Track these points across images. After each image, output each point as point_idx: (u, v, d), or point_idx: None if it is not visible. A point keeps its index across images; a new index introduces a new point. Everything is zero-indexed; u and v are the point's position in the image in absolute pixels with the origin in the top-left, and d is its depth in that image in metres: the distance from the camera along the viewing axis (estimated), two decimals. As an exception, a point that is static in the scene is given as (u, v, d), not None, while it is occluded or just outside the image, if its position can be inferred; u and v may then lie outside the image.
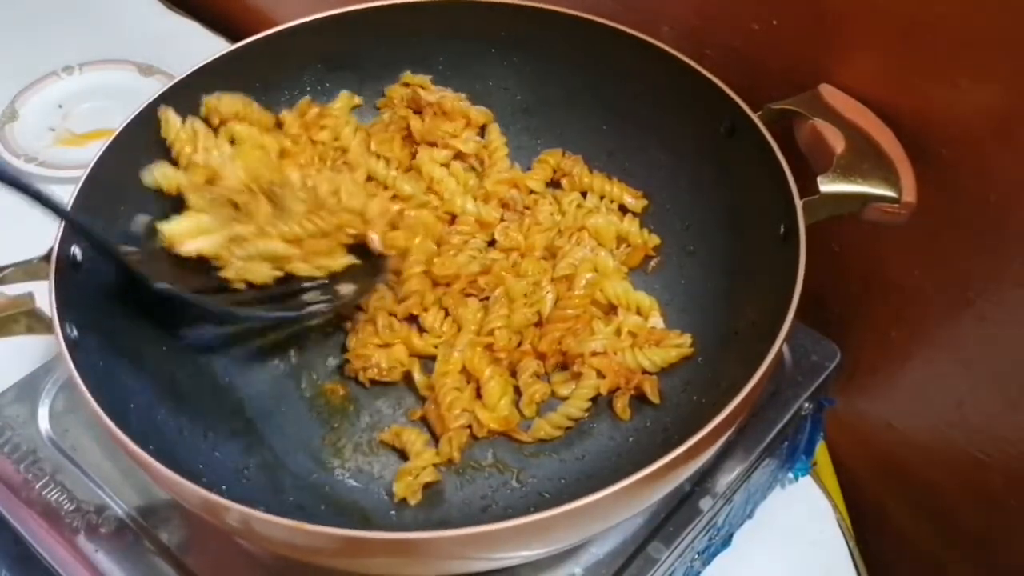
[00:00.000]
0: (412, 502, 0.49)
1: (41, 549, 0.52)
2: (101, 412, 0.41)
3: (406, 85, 0.62)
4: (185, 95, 0.55)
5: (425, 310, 0.55)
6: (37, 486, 0.53)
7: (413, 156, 0.62)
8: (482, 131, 0.63)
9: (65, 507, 0.52)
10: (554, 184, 0.62)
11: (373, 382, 0.54)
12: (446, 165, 0.61)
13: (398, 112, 0.62)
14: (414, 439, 0.51)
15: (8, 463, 0.54)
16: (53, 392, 0.56)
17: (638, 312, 0.55)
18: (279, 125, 0.59)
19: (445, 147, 0.61)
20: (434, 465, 0.50)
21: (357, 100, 0.63)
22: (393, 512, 0.49)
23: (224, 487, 0.47)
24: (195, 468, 0.47)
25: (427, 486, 0.50)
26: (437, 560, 0.41)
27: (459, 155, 0.62)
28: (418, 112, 0.62)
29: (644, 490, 0.41)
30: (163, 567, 0.50)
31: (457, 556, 0.41)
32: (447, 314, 0.55)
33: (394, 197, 0.60)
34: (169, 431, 0.49)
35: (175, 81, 0.55)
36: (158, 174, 0.52)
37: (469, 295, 0.56)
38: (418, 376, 0.53)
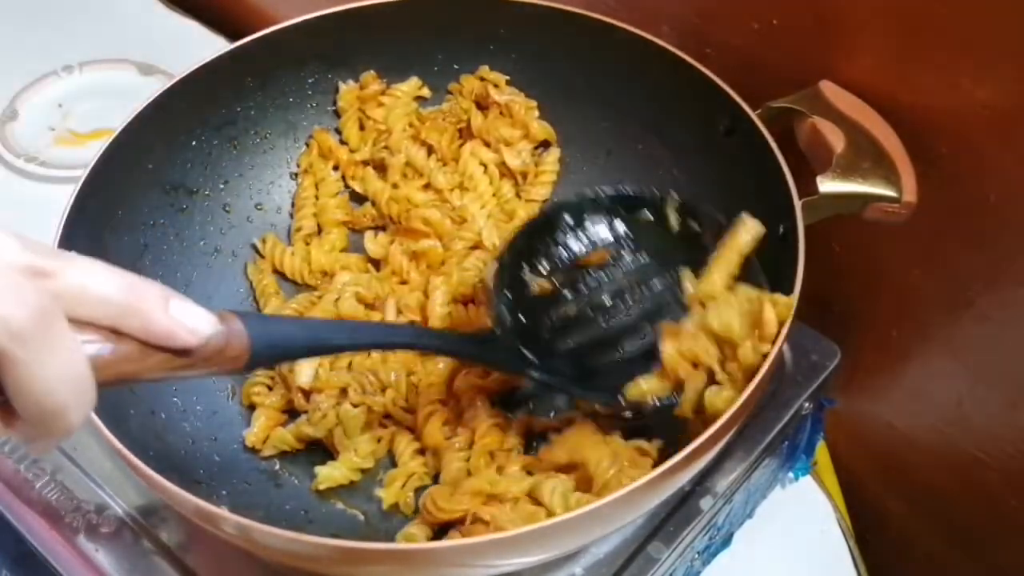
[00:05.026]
0: (406, 512, 0.49)
1: (41, 548, 0.52)
2: (96, 419, 0.41)
3: (481, 79, 0.62)
4: (185, 95, 0.55)
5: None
6: (37, 486, 0.53)
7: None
8: (542, 146, 0.62)
9: (65, 507, 0.52)
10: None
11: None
12: (485, 165, 0.61)
13: (461, 104, 0.62)
14: (404, 446, 0.50)
15: (8, 463, 0.54)
16: (53, 392, 0.56)
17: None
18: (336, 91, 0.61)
19: (495, 151, 0.61)
20: (425, 472, 0.50)
21: (425, 91, 0.63)
22: (393, 519, 0.49)
23: (224, 492, 0.47)
24: (195, 474, 0.47)
25: (420, 490, 0.49)
26: (436, 569, 0.41)
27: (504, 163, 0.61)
28: (483, 108, 0.62)
29: (642, 497, 0.41)
30: (163, 566, 0.50)
31: (456, 565, 0.41)
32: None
33: (426, 187, 0.60)
34: (170, 437, 0.49)
35: (175, 81, 0.55)
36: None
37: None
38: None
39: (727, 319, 0.44)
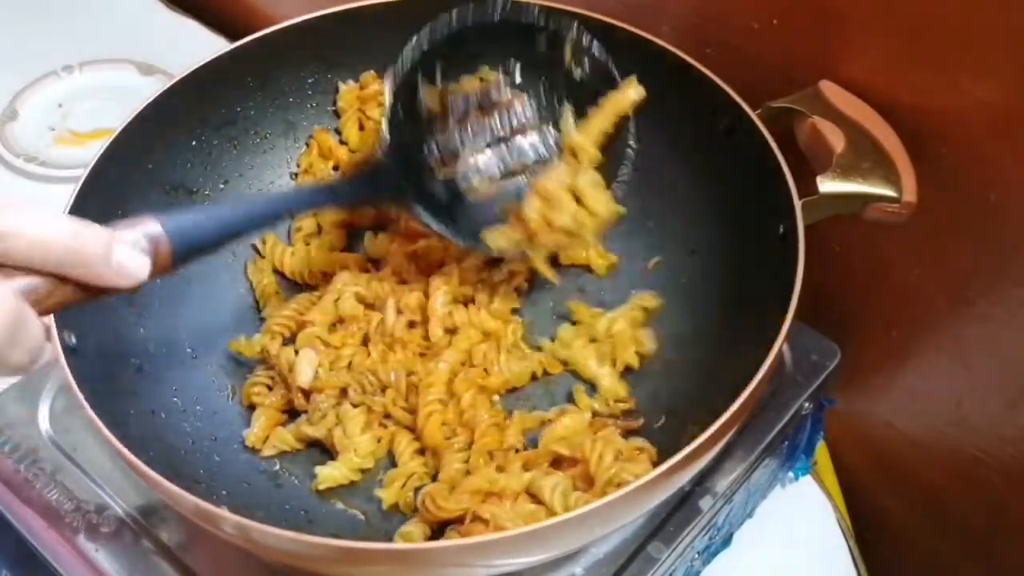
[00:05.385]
0: (406, 511, 0.49)
1: (42, 548, 0.52)
2: (96, 418, 0.41)
3: (481, 79, 0.62)
4: (185, 95, 0.55)
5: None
6: (37, 486, 0.53)
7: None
8: None
9: (65, 507, 0.52)
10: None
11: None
12: None
13: None
14: (404, 446, 0.50)
15: (8, 463, 0.54)
16: (54, 392, 0.57)
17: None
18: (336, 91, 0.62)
19: None
20: (425, 471, 0.50)
21: None
22: (393, 519, 0.49)
23: (224, 492, 0.47)
24: (196, 474, 0.47)
25: (419, 489, 0.49)
26: (436, 569, 0.41)
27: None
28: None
29: (642, 497, 0.41)
30: (163, 566, 0.50)
31: (456, 564, 0.41)
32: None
33: None
34: (170, 437, 0.49)
35: (175, 80, 0.55)
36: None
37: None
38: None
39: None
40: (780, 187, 0.48)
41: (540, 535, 0.38)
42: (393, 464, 0.51)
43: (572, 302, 0.56)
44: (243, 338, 0.55)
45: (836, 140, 0.49)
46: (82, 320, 0.45)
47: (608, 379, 0.53)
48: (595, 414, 0.51)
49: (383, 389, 0.52)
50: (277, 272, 0.59)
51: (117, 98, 0.81)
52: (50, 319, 0.44)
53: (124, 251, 0.35)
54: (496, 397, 0.53)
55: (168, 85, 0.55)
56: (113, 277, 0.35)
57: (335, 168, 0.62)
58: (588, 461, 0.46)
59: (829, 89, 0.52)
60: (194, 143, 0.58)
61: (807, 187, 0.48)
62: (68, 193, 0.49)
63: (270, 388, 0.53)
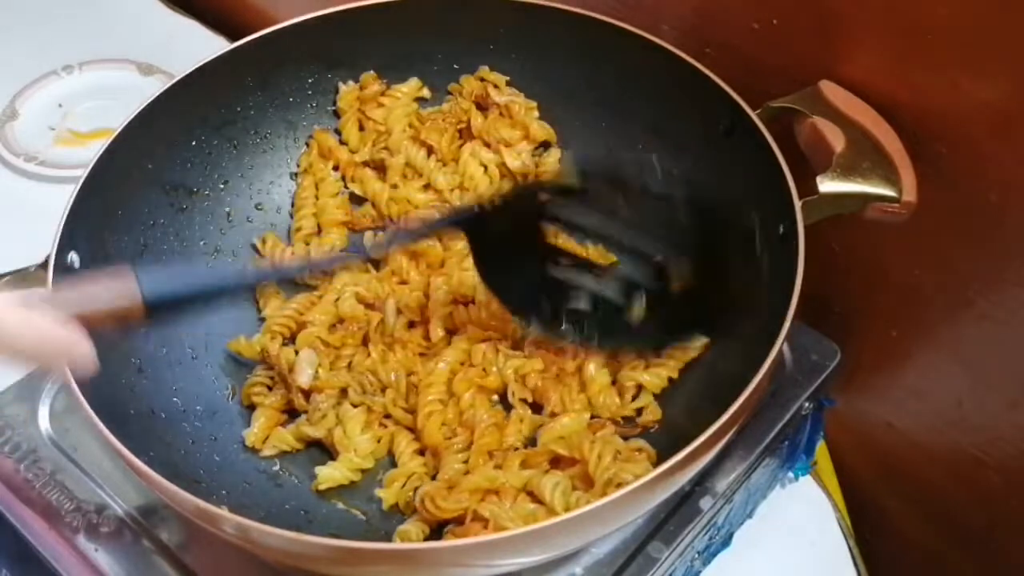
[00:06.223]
0: (407, 512, 0.49)
1: (41, 548, 0.52)
2: (96, 419, 0.41)
3: (481, 79, 0.62)
4: (185, 95, 0.56)
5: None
6: (37, 486, 0.53)
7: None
8: (543, 147, 0.62)
9: (65, 506, 0.52)
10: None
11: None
12: (485, 166, 0.61)
13: (461, 104, 0.62)
14: (404, 446, 0.50)
15: (8, 463, 0.54)
16: (53, 391, 0.57)
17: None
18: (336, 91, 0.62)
19: (496, 152, 0.61)
20: (425, 472, 0.50)
21: (425, 92, 0.63)
22: (393, 519, 0.49)
23: (224, 492, 0.47)
24: (196, 474, 0.47)
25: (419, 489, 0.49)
26: (436, 569, 0.41)
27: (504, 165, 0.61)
28: (483, 109, 0.62)
29: (642, 497, 0.41)
30: (163, 566, 0.50)
31: (457, 564, 0.41)
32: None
33: (426, 187, 0.60)
34: (170, 437, 0.49)
35: (175, 80, 0.55)
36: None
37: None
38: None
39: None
40: (780, 187, 0.48)
41: (540, 535, 0.38)
42: (393, 464, 0.51)
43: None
44: (243, 338, 0.55)
45: (836, 140, 0.49)
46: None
47: (605, 395, 0.52)
48: (593, 416, 0.51)
49: (383, 389, 0.52)
50: (277, 272, 0.59)
51: (117, 98, 0.81)
52: None
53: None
54: (496, 397, 0.53)
55: (168, 85, 0.55)
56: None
57: (335, 168, 0.62)
58: (587, 461, 0.46)
59: (829, 89, 0.52)
60: (194, 143, 0.58)
61: (807, 187, 0.48)
62: (68, 193, 0.49)
63: (270, 388, 0.53)
